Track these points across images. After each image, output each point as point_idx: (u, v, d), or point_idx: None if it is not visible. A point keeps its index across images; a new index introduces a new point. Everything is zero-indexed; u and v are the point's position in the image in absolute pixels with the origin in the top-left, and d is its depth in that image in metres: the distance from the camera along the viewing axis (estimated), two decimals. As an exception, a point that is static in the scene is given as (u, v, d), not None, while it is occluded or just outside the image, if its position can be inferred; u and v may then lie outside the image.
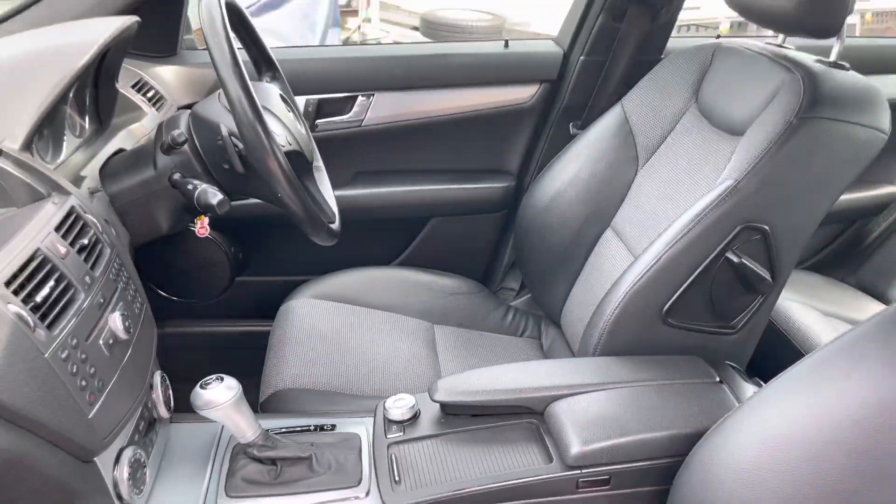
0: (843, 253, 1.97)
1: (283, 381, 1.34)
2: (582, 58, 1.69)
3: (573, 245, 1.54)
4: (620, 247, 1.47)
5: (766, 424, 0.90)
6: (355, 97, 1.70)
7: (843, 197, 1.88)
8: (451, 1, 5.60)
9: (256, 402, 1.35)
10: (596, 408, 1.06)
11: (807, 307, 1.70)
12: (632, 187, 1.52)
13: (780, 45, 1.38)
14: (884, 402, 0.82)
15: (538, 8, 5.02)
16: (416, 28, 5.55)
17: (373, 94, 1.70)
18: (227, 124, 1.13)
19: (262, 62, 1.40)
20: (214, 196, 1.12)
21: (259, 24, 4.56)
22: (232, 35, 1.10)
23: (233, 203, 1.23)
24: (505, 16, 5.28)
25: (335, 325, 1.51)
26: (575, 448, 0.99)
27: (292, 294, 1.60)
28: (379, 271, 1.69)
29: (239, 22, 1.31)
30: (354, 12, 6.06)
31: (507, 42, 1.74)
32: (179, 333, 1.79)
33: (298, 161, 1.22)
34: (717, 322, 1.23)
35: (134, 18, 1.25)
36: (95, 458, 0.88)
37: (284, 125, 1.21)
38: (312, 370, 1.36)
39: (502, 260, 1.86)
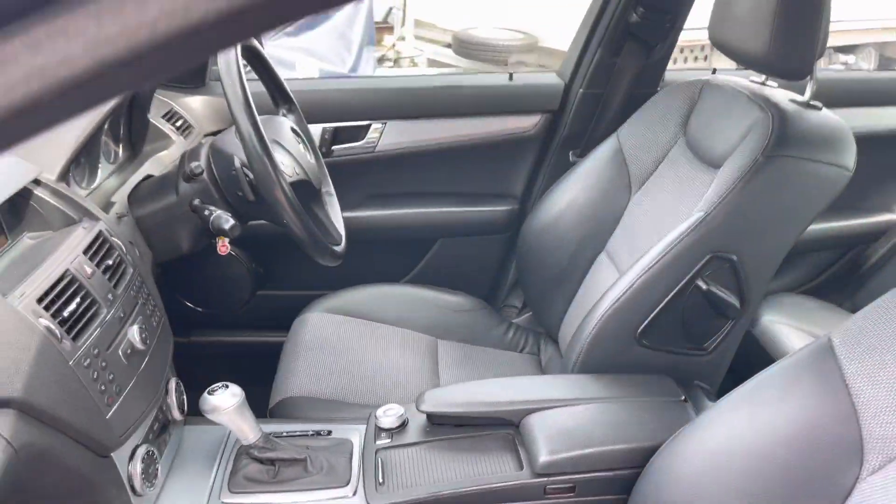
0: (841, 278, 2.02)
1: (291, 389, 1.46)
2: (581, 90, 1.79)
3: (570, 266, 1.63)
4: (612, 269, 1.55)
5: (711, 439, 0.98)
6: (369, 125, 1.82)
7: (842, 223, 1.95)
8: (485, 19, 5.70)
9: (267, 408, 1.47)
10: (565, 421, 1.15)
11: (798, 330, 1.77)
12: (624, 213, 1.60)
13: (763, 83, 1.45)
14: (812, 423, 0.91)
15: (571, 27, 5.11)
16: (449, 45, 5.68)
17: (385, 123, 1.82)
18: (239, 156, 1.26)
19: (279, 96, 1.52)
20: (227, 222, 1.25)
21: (297, 43, 4.75)
22: (248, 72, 1.23)
23: (253, 223, 1.37)
24: (537, 35, 5.37)
25: (344, 338, 1.62)
26: (543, 457, 1.09)
27: (306, 308, 1.72)
28: (388, 288, 1.80)
29: (256, 59, 1.44)
30: (390, 29, 6.21)
31: (511, 75, 1.85)
32: (204, 343, 1.92)
33: (305, 189, 1.34)
34: (690, 344, 1.31)
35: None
36: (112, 454, 1.00)
37: (293, 156, 1.33)
38: (319, 380, 1.48)
39: (506, 279, 1.96)
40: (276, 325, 1.89)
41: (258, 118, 1.18)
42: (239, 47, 1.25)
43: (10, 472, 0.80)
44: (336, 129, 1.81)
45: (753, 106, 1.34)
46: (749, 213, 1.24)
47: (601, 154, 1.64)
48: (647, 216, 1.53)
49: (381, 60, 5.89)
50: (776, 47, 1.25)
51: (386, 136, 1.83)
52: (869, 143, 1.60)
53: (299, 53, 5.03)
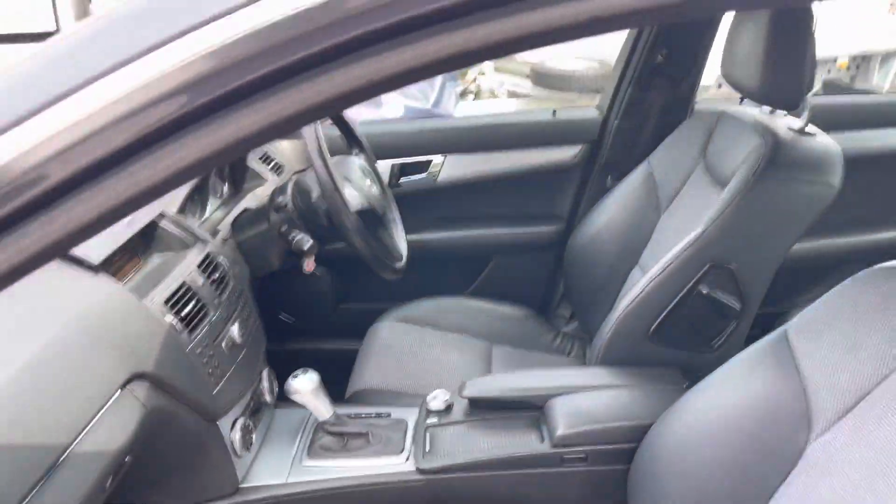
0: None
1: (363, 383, 1.74)
2: (616, 122, 2.01)
3: (609, 278, 1.85)
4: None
5: (690, 414, 1.19)
6: (431, 160, 2.10)
7: (870, 237, 2.08)
8: (563, 50, 5.91)
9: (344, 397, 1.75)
10: (581, 403, 1.38)
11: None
12: (655, 230, 1.81)
13: (772, 112, 1.64)
14: (770, 399, 1.10)
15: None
16: (528, 77, 5.94)
17: (445, 157, 2.10)
18: (317, 191, 1.56)
19: (350, 139, 1.82)
20: (307, 243, 1.56)
21: None
22: (324, 121, 1.53)
23: (333, 247, 1.66)
24: (612, 63, 5.54)
25: (409, 343, 1.89)
26: (560, 431, 1.32)
27: (380, 318, 2.00)
28: (449, 300, 2.06)
29: (332, 111, 1.75)
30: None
31: (554, 111, 2.09)
32: (297, 349, 2.23)
33: (370, 216, 1.63)
34: (697, 342, 1.51)
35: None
36: (217, 422, 1.30)
37: (359, 190, 1.62)
38: (385, 376, 1.75)
39: (555, 291, 2.19)
40: (356, 334, 2.18)
41: (330, 160, 1.48)
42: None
43: (143, 427, 1.10)
44: (403, 164, 2.10)
45: (755, 133, 1.53)
46: (743, 228, 1.43)
47: (634, 179, 1.86)
48: (671, 231, 1.73)
49: (463, 94, 6.20)
50: (769, 81, 1.45)
51: (446, 168, 2.11)
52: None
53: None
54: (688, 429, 1.18)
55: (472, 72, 6.54)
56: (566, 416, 1.34)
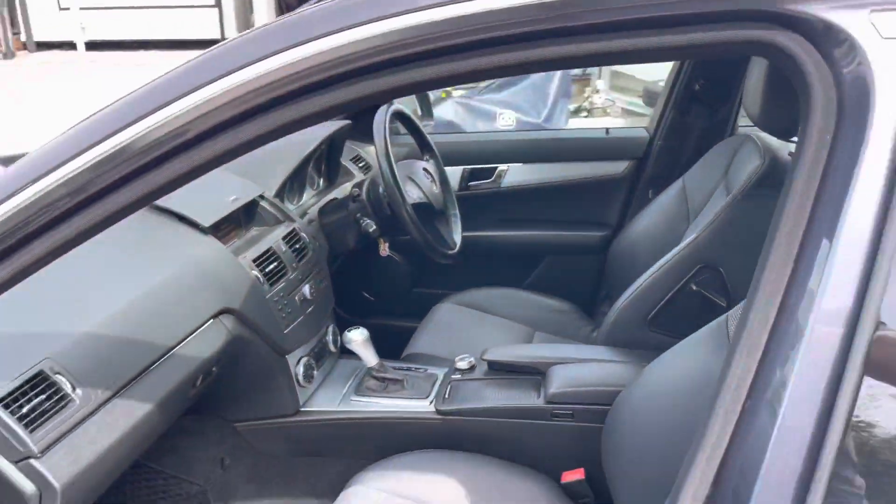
0: None
1: (416, 348, 2.08)
2: (660, 143, 2.27)
3: None
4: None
5: (650, 381, 1.45)
6: (496, 167, 2.43)
7: None
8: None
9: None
10: (575, 370, 1.66)
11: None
12: (683, 237, 2.05)
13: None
14: (709, 372, 1.35)
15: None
16: (640, 96, 6.10)
17: (509, 166, 2.43)
18: (383, 186, 1.93)
19: (423, 147, 2.19)
20: (371, 227, 1.94)
21: (499, 98, 5.51)
22: (390, 133, 1.90)
23: (406, 238, 2.02)
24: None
25: (461, 322, 2.22)
26: (552, 389, 1.61)
27: (441, 301, 2.35)
28: (504, 290, 2.37)
29: (406, 120, 2.12)
30: (588, 81, 6.76)
31: (607, 130, 2.37)
32: (377, 325, 2.60)
33: (426, 209, 1.98)
34: (689, 332, 1.74)
35: (346, 122, 2.13)
36: (287, 357, 1.69)
37: (419, 187, 1.98)
38: (434, 345, 2.08)
39: (600, 290, 2.45)
40: (425, 314, 2.54)
41: (393, 161, 1.85)
42: (389, 113, 1.94)
43: (227, 348, 1.50)
44: (472, 170, 2.45)
45: (758, 155, 1.76)
46: (731, 236, 1.66)
47: (670, 192, 2.11)
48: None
49: (577, 111, 6.45)
50: (768, 112, 1.67)
51: (509, 175, 2.43)
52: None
53: (500, 106, 5.76)
54: (647, 395, 1.44)
55: (587, 90, 6.78)
56: (560, 379, 1.64)
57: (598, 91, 6.77)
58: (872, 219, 0.70)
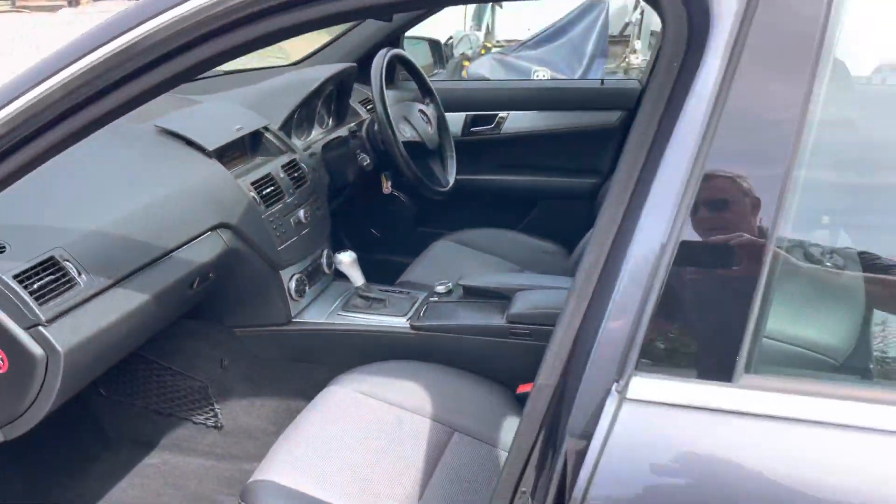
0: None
1: (408, 276, 2.24)
2: (649, 94, 2.37)
3: None
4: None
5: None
6: (496, 114, 2.58)
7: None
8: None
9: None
10: (536, 296, 1.82)
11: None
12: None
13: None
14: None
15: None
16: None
17: (509, 113, 2.57)
18: (377, 123, 2.10)
19: (424, 91, 2.34)
20: (365, 160, 2.11)
21: (535, 55, 5.69)
22: (384, 78, 2.06)
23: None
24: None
25: (453, 258, 2.37)
26: (512, 310, 1.78)
27: (441, 238, 2.52)
28: (499, 231, 2.51)
29: (407, 65, 2.28)
30: (626, 41, 6.78)
31: (602, 81, 2.49)
32: (380, 260, 2.79)
33: (419, 147, 2.15)
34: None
35: (350, 65, 2.30)
36: (280, 272, 1.89)
37: (413, 127, 2.14)
38: (424, 276, 2.24)
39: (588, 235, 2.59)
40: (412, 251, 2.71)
41: (387, 101, 2.01)
42: (387, 57, 2.10)
43: (223, 257, 1.71)
44: (475, 116, 2.60)
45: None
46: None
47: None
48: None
49: (614, 71, 6.50)
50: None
51: (509, 122, 2.58)
52: None
53: (535, 63, 5.85)
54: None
55: (627, 50, 6.79)
56: (522, 302, 1.80)
57: (635, 51, 6.81)
58: (693, 148, 0.83)
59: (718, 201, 0.83)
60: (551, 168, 2.60)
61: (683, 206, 0.83)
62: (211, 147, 1.79)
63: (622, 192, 0.91)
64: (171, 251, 1.57)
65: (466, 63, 6.03)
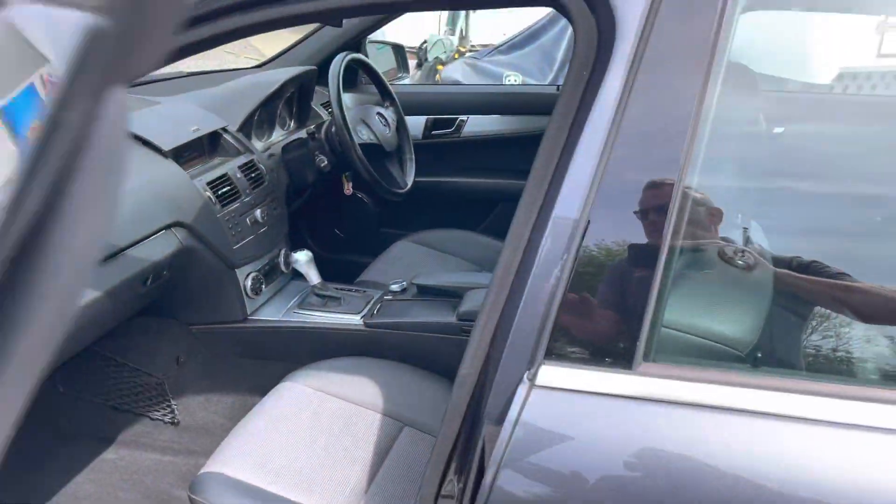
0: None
1: (367, 276, 2.29)
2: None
3: None
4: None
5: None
6: (456, 118, 2.63)
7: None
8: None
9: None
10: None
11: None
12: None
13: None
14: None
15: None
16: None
17: (468, 117, 2.62)
18: (335, 126, 2.14)
19: (383, 94, 2.39)
20: (322, 162, 2.15)
21: (507, 60, 5.74)
22: (341, 83, 2.10)
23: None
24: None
25: (413, 259, 2.42)
26: (462, 308, 1.83)
27: (401, 239, 2.57)
28: (459, 232, 2.56)
29: (366, 68, 2.32)
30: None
31: (558, 87, 2.54)
32: (344, 260, 2.84)
33: (376, 150, 2.19)
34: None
35: (310, 68, 2.34)
36: (236, 270, 1.93)
37: (370, 128, 2.19)
38: (384, 275, 2.30)
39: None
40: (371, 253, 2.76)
41: (344, 105, 2.06)
42: (345, 61, 2.14)
43: (178, 255, 1.74)
44: (435, 119, 2.65)
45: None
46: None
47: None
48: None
49: (585, 76, 6.55)
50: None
51: (469, 125, 2.63)
52: None
53: (507, 68, 5.91)
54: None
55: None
56: (472, 300, 1.85)
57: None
58: (597, 154, 0.89)
59: (619, 203, 0.88)
60: (511, 170, 2.66)
61: (587, 207, 0.88)
62: (167, 147, 1.82)
63: (535, 192, 0.97)
64: (124, 249, 1.60)
65: (440, 67, 6.08)
